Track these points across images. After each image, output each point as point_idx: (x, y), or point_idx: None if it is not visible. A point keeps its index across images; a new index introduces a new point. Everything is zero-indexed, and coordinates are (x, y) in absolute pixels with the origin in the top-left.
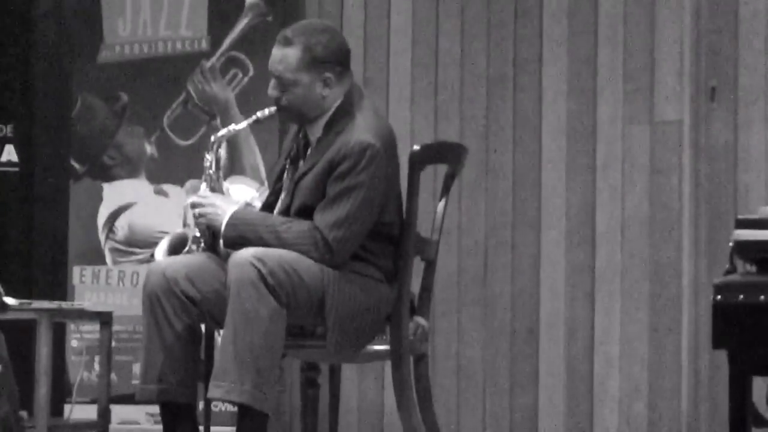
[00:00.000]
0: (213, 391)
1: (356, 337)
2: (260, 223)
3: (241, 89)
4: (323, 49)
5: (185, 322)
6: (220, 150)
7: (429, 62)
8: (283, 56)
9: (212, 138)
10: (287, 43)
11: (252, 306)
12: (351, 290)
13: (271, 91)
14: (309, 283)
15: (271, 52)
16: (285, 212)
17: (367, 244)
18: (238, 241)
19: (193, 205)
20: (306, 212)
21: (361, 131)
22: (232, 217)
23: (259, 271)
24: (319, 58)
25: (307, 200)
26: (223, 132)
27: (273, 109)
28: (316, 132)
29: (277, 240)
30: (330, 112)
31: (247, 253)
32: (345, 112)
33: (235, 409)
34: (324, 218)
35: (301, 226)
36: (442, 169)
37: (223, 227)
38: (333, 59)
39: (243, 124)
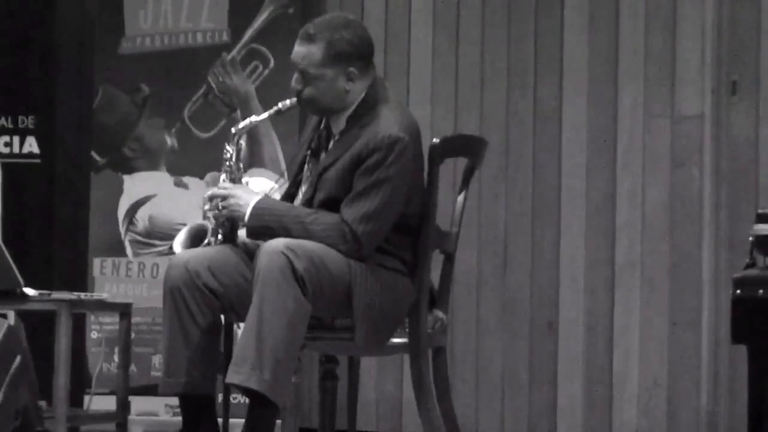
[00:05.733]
0: (232, 377)
1: (383, 329)
2: (286, 214)
3: (261, 81)
4: (346, 44)
5: (208, 315)
6: (240, 141)
7: (449, 55)
8: (307, 53)
9: (233, 130)
10: (310, 39)
11: (278, 294)
12: (377, 283)
13: (295, 84)
14: (336, 277)
15: (294, 48)
16: (308, 204)
17: (390, 237)
18: (262, 231)
19: (213, 197)
20: (331, 205)
21: (388, 124)
22: (255, 207)
23: (289, 260)
24: (343, 53)
25: (332, 193)
26: (244, 123)
27: (294, 100)
28: (339, 125)
29: (304, 231)
30: (354, 106)
31: (279, 243)
32: (369, 106)
33: None
34: (352, 212)
35: (328, 218)
36: (462, 162)
37: (247, 217)
38: (356, 54)
39: (264, 116)
